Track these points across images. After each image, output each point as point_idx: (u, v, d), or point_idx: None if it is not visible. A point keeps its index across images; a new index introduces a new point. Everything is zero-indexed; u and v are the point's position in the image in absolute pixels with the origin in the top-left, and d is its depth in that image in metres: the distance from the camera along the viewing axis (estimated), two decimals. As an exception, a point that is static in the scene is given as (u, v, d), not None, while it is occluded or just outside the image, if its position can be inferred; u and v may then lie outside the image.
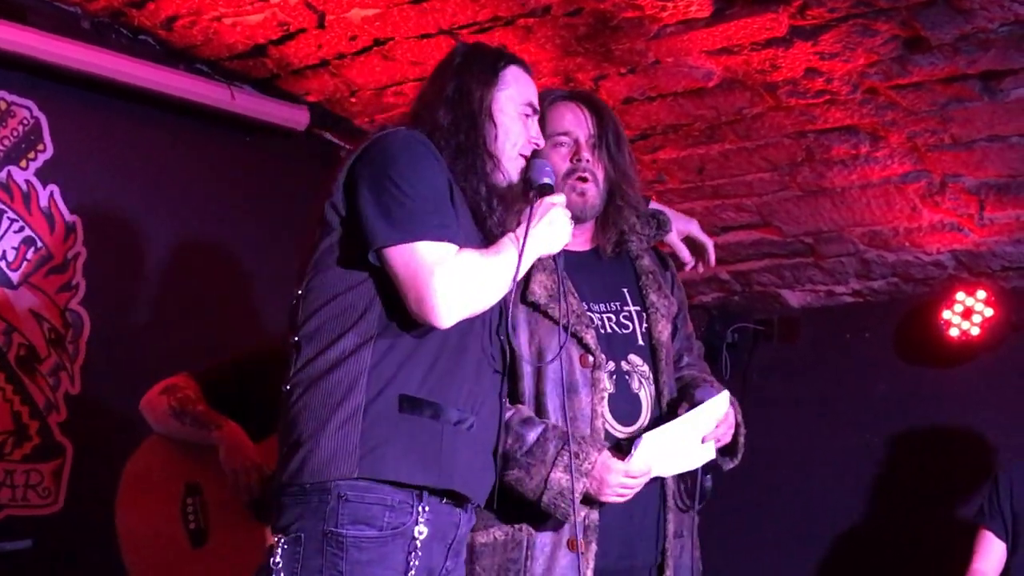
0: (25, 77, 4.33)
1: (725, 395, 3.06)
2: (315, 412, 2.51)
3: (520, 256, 2.59)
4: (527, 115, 2.84)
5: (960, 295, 5.25)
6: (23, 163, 4.34)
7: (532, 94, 2.88)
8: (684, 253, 3.47)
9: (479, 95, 2.76)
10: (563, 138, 3.16)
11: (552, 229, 2.69)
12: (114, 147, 4.60)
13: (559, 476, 2.88)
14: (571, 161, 3.15)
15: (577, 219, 3.08)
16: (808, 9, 3.76)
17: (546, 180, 2.80)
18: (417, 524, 2.50)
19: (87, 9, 4.43)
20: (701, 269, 3.53)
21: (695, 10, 3.87)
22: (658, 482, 3.09)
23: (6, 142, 4.29)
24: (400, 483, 2.48)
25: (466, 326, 2.60)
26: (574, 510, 2.87)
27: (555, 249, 2.73)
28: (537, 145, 2.86)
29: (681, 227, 3.45)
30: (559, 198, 2.76)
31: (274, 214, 5.01)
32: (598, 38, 4.12)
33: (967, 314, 5.24)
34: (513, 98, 2.82)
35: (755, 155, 4.79)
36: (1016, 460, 4.35)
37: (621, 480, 2.90)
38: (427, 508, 2.51)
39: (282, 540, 2.49)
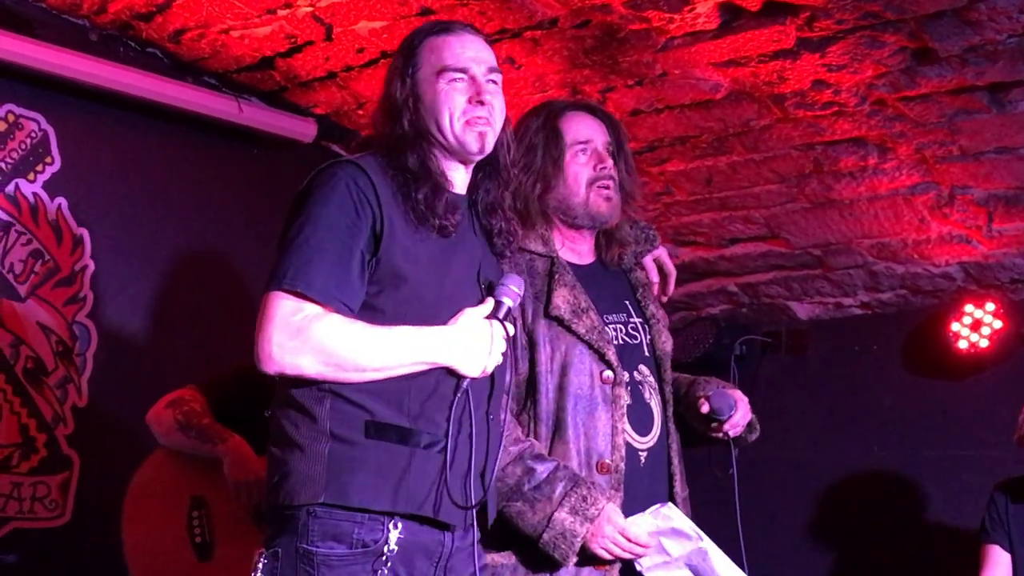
0: (33, 90, 4.34)
1: None
2: (287, 437, 2.51)
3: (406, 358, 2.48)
4: (453, 82, 2.62)
5: (969, 307, 5.23)
6: (31, 176, 4.35)
7: (447, 57, 2.63)
8: (653, 273, 3.48)
9: (396, 85, 2.65)
10: (584, 145, 3.17)
11: (476, 346, 2.54)
12: (122, 160, 4.60)
13: (563, 516, 2.87)
14: (595, 169, 3.16)
15: (603, 225, 3.18)
16: (815, 21, 3.75)
17: (506, 300, 2.62)
18: (387, 543, 2.47)
19: (95, 22, 4.43)
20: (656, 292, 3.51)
21: (702, 22, 3.86)
22: (666, 493, 3.12)
23: (14, 155, 4.30)
24: (365, 509, 2.47)
25: None
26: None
27: (470, 372, 2.55)
28: (481, 103, 2.61)
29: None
30: (481, 310, 2.59)
31: (281, 227, 5.00)
32: (605, 50, 4.12)
33: (976, 326, 5.22)
34: (426, 76, 2.63)
35: (763, 167, 4.79)
36: (1004, 478, 4.35)
37: (615, 536, 2.89)
38: (399, 526, 2.49)
39: (263, 555, 2.52)
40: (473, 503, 2.60)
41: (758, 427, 3.36)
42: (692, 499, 3.29)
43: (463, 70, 2.64)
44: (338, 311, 2.47)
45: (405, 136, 2.61)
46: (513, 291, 2.63)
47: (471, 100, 2.62)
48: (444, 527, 2.58)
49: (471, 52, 2.66)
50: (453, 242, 2.62)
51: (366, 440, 2.48)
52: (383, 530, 2.47)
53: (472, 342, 2.55)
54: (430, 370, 2.54)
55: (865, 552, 5.58)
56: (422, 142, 2.62)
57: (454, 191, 2.68)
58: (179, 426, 3.57)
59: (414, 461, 2.50)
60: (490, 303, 2.61)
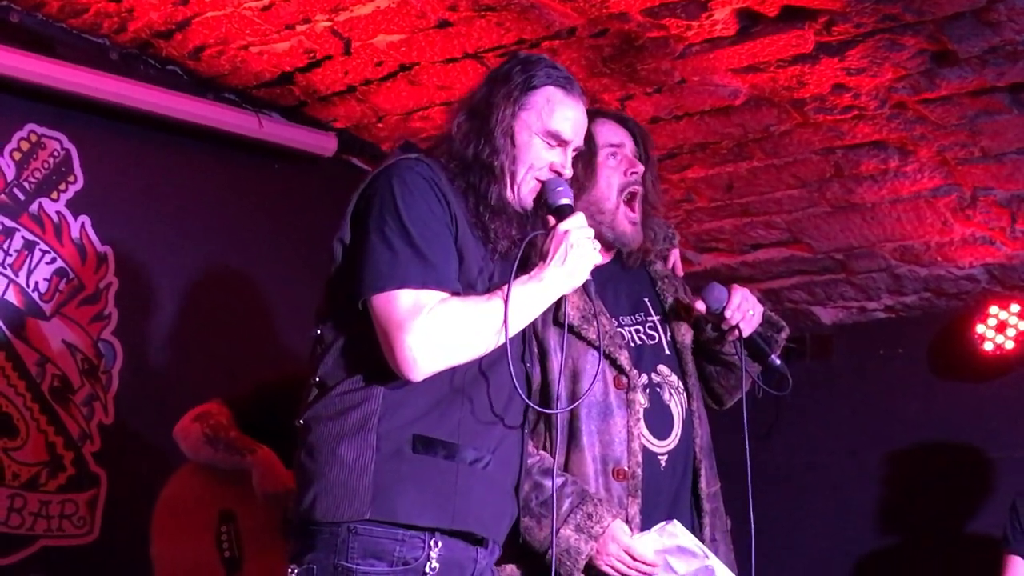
0: (55, 109, 4.36)
1: None
2: (327, 449, 2.47)
3: (506, 307, 2.45)
4: (550, 145, 2.66)
5: (994, 309, 5.21)
6: (54, 195, 4.37)
7: (559, 122, 2.65)
8: (674, 261, 3.49)
9: (499, 112, 2.63)
10: (616, 149, 3.13)
11: (568, 264, 2.53)
12: (144, 177, 4.62)
13: (568, 534, 2.85)
14: (625, 174, 3.11)
15: (625, 247, 3.12)
16: (834, 25, 3.75)
17: (564, 201, 2.63)
18: (429, 560, 2.46)
19: (115, 41, 4.46)
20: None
21: (720, 29, 3.86)
22: (690, 490, 3.11)
23: (37, 174, 4.33)
24: (412, 525, 2.45)
25: (487, 361, 2.54)
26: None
27: (578, 282, 2.57)
28: (559, 174, 2.67)
29: None
30: (574, 221, 2.59)
31: (303, 241, 5.02)
32: (624, 59, 4.12)
33: (1001, 328, 5.20)
34: (531, 123, 2.64)
35: (784, 172, 4.78)
36: None
37: (620, 554, 2.87)
38: (439, 543, 2.48)
39: (295, 571, 2.49)
40: (515, 515, 2.69)
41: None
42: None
43: (564, 142, 2.68)
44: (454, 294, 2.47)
45: (489, 167, 2.61)
46: (562, 190, 2.64)
47: (552, 167, 2.66)
48: (479, 543, 2.59)
49: (578, 126, 2.71)
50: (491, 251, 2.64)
51: (413, 455, 2.46)
52: (424, 547, 2.46)
53: (572, 257, 2.54)
54: (487, 383, 2.56)
55: (892, 557, 5.56)
56: (501, 178, 2.63)
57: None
58: (207, 439, 3.57)
59: (460, 477, 2.50)
60: (578, 217, 2.59)
